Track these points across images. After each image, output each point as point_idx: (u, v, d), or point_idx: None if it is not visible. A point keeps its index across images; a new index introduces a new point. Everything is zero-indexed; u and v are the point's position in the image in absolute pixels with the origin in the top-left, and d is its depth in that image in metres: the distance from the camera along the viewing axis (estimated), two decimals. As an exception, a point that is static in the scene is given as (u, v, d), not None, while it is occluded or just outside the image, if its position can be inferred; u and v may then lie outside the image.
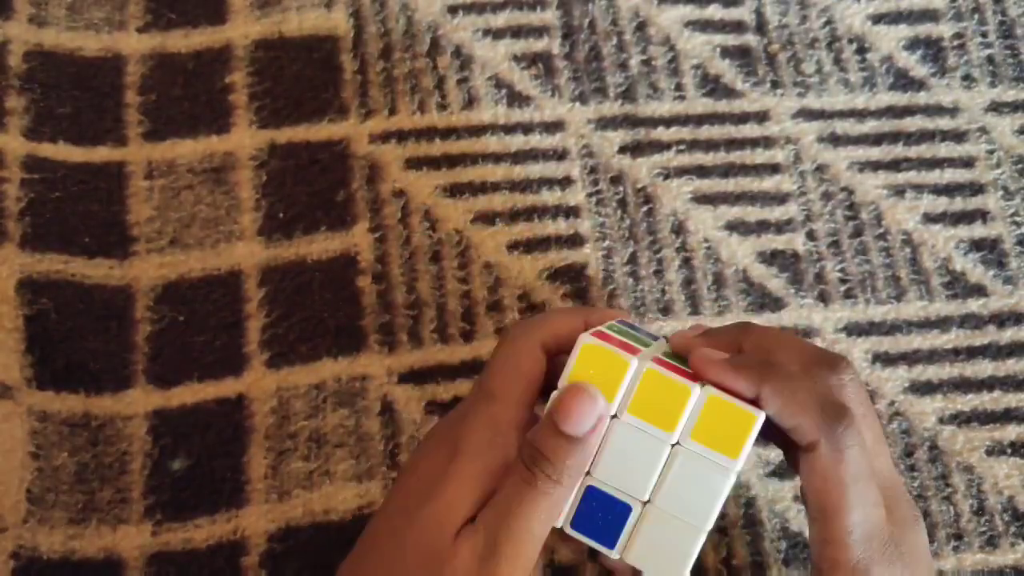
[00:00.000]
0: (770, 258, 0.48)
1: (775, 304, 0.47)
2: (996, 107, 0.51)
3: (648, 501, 0.30)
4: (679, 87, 0.51)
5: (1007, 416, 0.46)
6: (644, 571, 0.30)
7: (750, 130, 0.50)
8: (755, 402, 0.30)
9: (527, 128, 0.50)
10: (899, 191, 0.49)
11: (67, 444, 0.43)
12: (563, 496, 0.31)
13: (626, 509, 0.30)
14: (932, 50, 0.52)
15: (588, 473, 0.31)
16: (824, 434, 0.30)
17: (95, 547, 0.42)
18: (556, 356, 0.34)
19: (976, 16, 0.53)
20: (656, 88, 0.51)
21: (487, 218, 0.48)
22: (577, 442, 0.30)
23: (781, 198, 0.49)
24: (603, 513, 0.30)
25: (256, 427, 0.44)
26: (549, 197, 0.49)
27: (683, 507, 0.30)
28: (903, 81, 0.52)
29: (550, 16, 0.52)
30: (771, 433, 0.32)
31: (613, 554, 0.30)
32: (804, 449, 0.31)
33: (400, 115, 0.50)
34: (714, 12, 0.53)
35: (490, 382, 0.34)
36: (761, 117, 0.51)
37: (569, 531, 0.31)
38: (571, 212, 0.48)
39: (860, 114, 0.51)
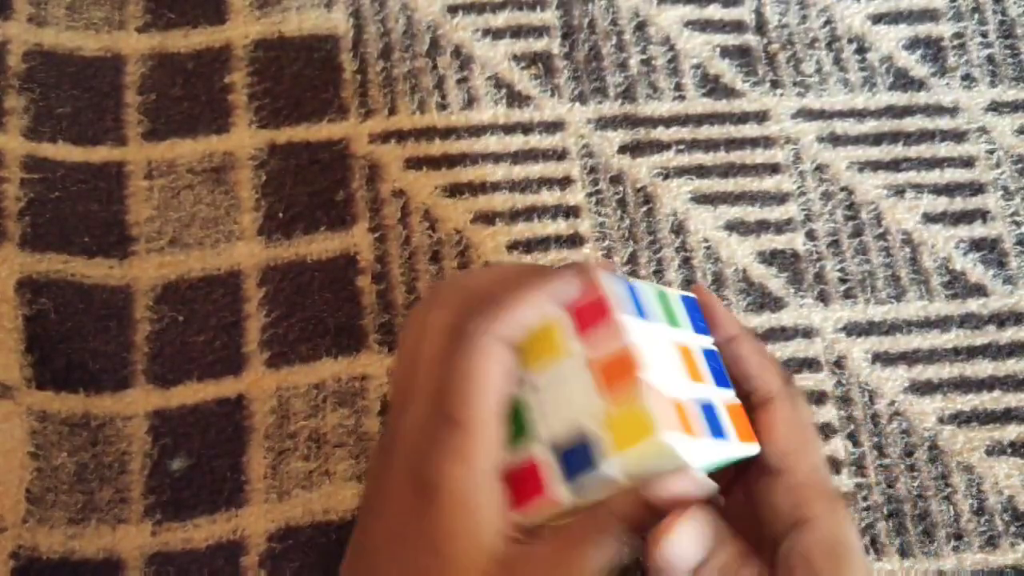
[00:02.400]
0: (770, 258, 0.48)
1: (775, 304, 0.47)
2: (996, 107, 0.51)
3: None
4: (679, 87, 0.51)
5: (1007, 416, 0.46)
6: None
7: (750, 130, 0.50)
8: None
9: (527, 128, 0.50)
10: (899, 191, 0.49)
11: (67, 444, 0.43)
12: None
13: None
14: (932, 50, 0.52)
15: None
16: (784, 386, 0.32)
17: (95, 547, 0.42)
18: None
19: (976, 16, 0.53)
20: (656, 88, 0.51)
21: (487, 218, 0.48)
22: None
23: (781, 198, 0.49)
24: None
25: (256, 427, 0.44)
26: (549, 197, 0.49)
27: None
28: (903, 81, 0.52)
29: (550, 16, 0.52)
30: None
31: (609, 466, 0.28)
32: (762, 404, 0.32)
33: (400, 115, 0.50)
34: (714, 12, 0.53)
35: (452, 404, 0.28)
36: (761, 117, 0.51)
37: (566, 494, 0.29)
38: (571, 212, 0.48)
39: (860, 114, 0.51)
